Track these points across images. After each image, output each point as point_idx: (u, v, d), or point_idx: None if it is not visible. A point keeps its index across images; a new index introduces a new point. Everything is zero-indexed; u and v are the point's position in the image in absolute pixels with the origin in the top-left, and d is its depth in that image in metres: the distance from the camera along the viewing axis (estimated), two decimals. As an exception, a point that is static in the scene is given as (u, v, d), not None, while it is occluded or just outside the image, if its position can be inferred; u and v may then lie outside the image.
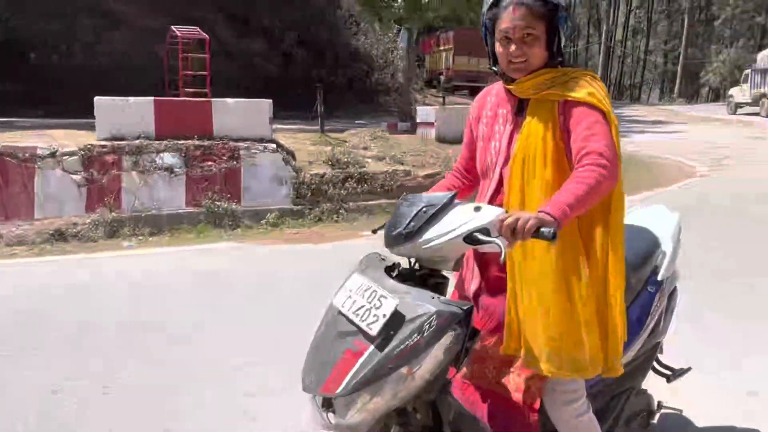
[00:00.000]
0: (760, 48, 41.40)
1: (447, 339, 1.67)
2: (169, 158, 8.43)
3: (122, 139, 8.39)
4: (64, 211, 7.70)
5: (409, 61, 16.54)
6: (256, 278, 5.67)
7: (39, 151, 7.77)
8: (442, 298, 1.72)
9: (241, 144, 8.77)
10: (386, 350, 1.63)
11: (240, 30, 21.42)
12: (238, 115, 8.95)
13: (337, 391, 1.64)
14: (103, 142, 8.24)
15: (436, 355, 1.66)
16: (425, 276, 1.83)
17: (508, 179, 1.94)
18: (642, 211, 2.73)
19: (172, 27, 14.51)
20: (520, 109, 1.99)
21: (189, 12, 18.37)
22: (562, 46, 1.94)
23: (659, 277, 2.34)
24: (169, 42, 15.18)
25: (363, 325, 1.66)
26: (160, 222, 8.08)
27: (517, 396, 1.99)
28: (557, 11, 1.90)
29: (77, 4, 17.62)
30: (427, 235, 1.72)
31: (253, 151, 8.78)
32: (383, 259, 1.89)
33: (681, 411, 2.73)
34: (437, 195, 1.82)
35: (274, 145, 8.97)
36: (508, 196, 1.93)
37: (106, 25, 18.33)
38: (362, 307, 1.70)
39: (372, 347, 1.64)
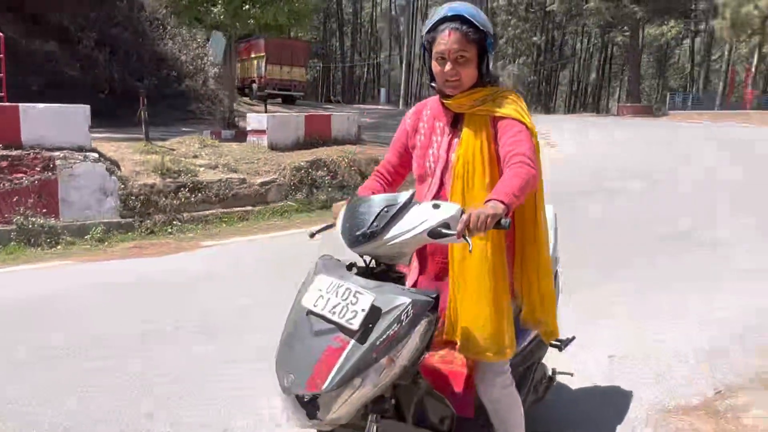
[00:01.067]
0: (537, 64, 46.74)
1: (422, 326, 1.79)
2: (-33, 171, 7.41)
3: None
4: None
5: (231, 67, 16.15)
6: (97, 298, 5.22)
7: None
8: (411, 289, 1.87)
9: (56, 153, 7.97)
10: (368, 342, 1.71)
11: (29, 28, 19.26)
12: (51, 121, 8.11)
13: (324, 387, 1.68)
14: None
15: (413, 341, 1.78)
16: (384, 272, 1.94)
17: (451, 184, 2.17)
18: None
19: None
20: (455, 121, 2.24)
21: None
22: (490, 67, 2.19)
23: None
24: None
25: (342, 321, 1.73)
26: (-41, 243, 7.07)
27: (455, 373, 2.24)
28: (486, 37, 2.15)
29: None
30: (391, 233, 1.84)
31: (71, 161, 8.01)
32: (338, 260, 1.98)
33: (572, 374, 3.02)
34: (394, 195, 1.93)
35: (96, 155, 8.27)
36: (451, 199, 2.14)
37: None
38: (338, 304, 1.76)
39: (353, 341, 1.72)
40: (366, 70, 68.30)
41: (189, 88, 23.12)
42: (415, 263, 2.32)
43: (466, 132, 2.18)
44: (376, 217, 1.86)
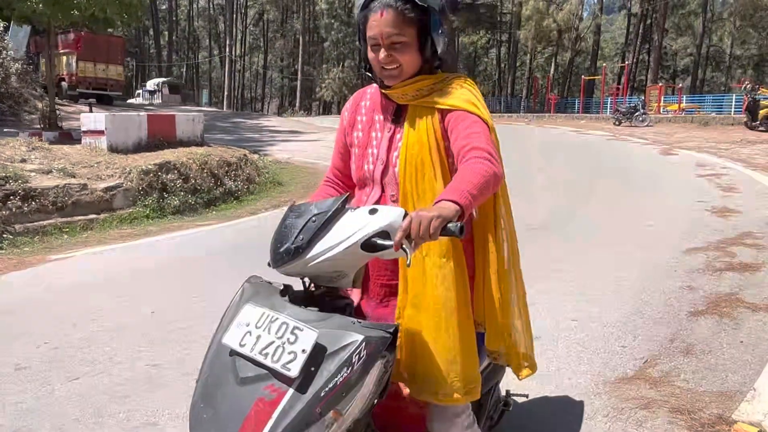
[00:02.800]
0: (359, 69, 47.69)
1: (377, 368, 1.48)
2: None
3: None
4: None
5: (49, 63, 14.52)
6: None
7: None
8: (363, 322, 1.50)
9: None
10: (311, 392, 1.37)
11: None
12: None
13: None
14: None
15: (367, 388, 1.45)
16: (326, 299, 1.59)
17: (399, 192, 1.81)
18: None
19: None
20: (397, 114, 1.87)
21: None
22: (439, 51, 1.80)
23: None
24: None
25: (277, 366, 1.37)
26: None
27: (411, 416, 1.90)
28: (429, 15, 1.75)
29: None
30: (318, 247, 1.49)
31: None
32: (269, 283, 1.62)
33: (527, 396, 2.77)
34: (325, 201, 1.59)
35: None
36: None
37: None
38: (271, 343, 1.40)
39: (291, 391, 1.37)
40: (184, 70, 65.31)
41: (-18, 85, 20.43)
42: None
43: (409, 127, 1.82)
44: (302, 228, 1.51)
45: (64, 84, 27.57)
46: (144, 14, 20.21)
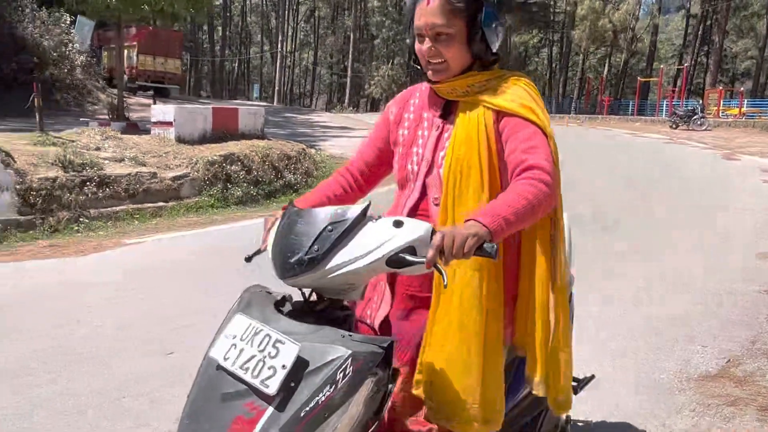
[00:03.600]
0: (408, 66, 47.86)
1: (367, 387, 1.34)
2: None
3: None
4: None
5: (120, 56, 15.04)
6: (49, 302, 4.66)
7: None
8: (354, 335, 1.36)
9: (-61, 142, 7.03)
10: (290, 412, 1.25)
11: None
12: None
13: None
14: None
15: (355, 409, 1.32)
16: (325, 310, 1.47)
17: (442, 195, 1.67)
18: None
19: None
20: (447, 112, 1.74)
21: None
22: (493, 47, 1.67)
23: None
24: None
25: (256, 383, 1.27)
26: None
27: None
28: (481, 6, 1.62)
29: None
30: (336, 260, 1.37)
31: (-45, 151, 7.10)
32: (269, 292, 1.51)
33: (591, 422, 2.68)
34: (343, 208, 1.44)
35: (-14, 144, 7.40)
36: (439, 212, 1.68)
37: None
38: (252, 357, 1.30)
39: (271, 409, 1.26)
40: (237, 65, 66.52)
41: (53, 76, 21.27)
42: (387, 293, 1.76)
43: (459, 125, 1.68)
44: (316, 237, 1.38)
45: (125, 76, 28.44)
46: (211, 9, 20.69)
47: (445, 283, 1.36)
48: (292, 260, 1.39)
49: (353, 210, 1.41)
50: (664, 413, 2.90)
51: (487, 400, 1.62)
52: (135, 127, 12.62)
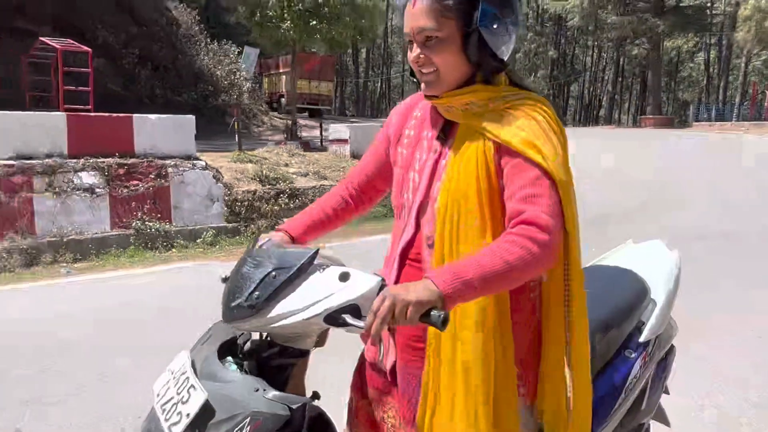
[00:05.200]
0: (551, 78, 47.04)
1: None
2: (88, 178, 7.73)
3: (29, 158, 7.55)
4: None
5: (293, 81, 16.51)
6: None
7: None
8: (271, 392, 1.25)
9: (168, 162, 8.30)
10: None
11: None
12: (162, 131, 8.47)
13: None
14: (8, 162, 7.34)
15: None
16: (272, 355, 1.38)
17: (436, 234, 1.41)
18: (630, 248, 2.21)
19: (42, 39, 13.13)
20: (447, 133, 1.47)
21: (12, 22, 16.57)
22: (499, 51, 1.38)
23: (642, 338, 1.82)
24: (31, 55, 13.70)
25: (164, 427, 1.23)
26: (83, 247, 7.37)
27: None
28: (476, 4, 1.34)
29: None
30: (277, 310, 1.27)
31: (181, 168, 8.34)
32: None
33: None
34: (291, 253, 1.34)
35: (203, 162, 8.61)
36: (434, 252, 1.42)
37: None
38: (170, 399, 1.27)
39: None
40: (379, 84, 69.02)
41: (225, 102, 23.63)
42: (391, 340, 1.53)
43: (457, 153, 1.41)
44: (259, 283, 1.29)
45: (284, 100, 30.77)
46: (375, 37, 22.01)
47: (380, 356, 1.37)
48: (232, 305, 1.31)
49: (300, 255, 1.31)
50: None
51: None
52: (307, 145, 13.84)
